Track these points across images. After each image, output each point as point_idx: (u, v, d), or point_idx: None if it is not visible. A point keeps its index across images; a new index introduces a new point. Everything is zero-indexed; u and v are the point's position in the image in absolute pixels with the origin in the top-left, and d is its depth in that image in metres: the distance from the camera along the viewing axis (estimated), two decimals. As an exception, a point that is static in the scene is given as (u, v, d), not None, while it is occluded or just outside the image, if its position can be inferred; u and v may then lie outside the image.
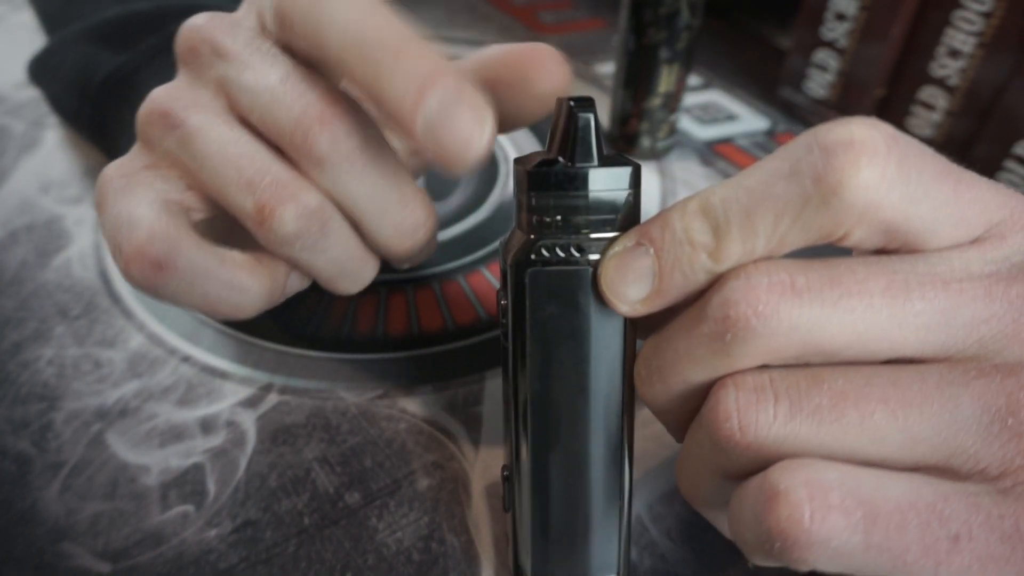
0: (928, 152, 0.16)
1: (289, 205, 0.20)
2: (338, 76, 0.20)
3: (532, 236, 0.18)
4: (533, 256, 0.18)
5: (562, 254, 0.18)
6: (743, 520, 0.16)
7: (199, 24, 0.22)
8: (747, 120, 0.45)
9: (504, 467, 0.21)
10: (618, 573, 0.20)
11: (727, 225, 0.16)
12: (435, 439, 0.27)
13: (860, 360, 0.16)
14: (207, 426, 0.27)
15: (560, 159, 0.17)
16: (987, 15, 0.35)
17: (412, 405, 0.28)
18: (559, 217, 0.18)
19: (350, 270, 0.23)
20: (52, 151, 0.41)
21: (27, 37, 0.49)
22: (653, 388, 0.18)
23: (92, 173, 0.40)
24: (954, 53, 0.37)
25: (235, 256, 0.22)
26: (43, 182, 0.39)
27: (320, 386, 0.28)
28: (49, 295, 0.32)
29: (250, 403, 0.28)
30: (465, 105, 0.18)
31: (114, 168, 0.22)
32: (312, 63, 0.21)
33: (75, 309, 0.32)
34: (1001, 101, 0.35)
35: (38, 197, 0.38)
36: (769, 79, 0.48)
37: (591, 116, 0.17)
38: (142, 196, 0.21)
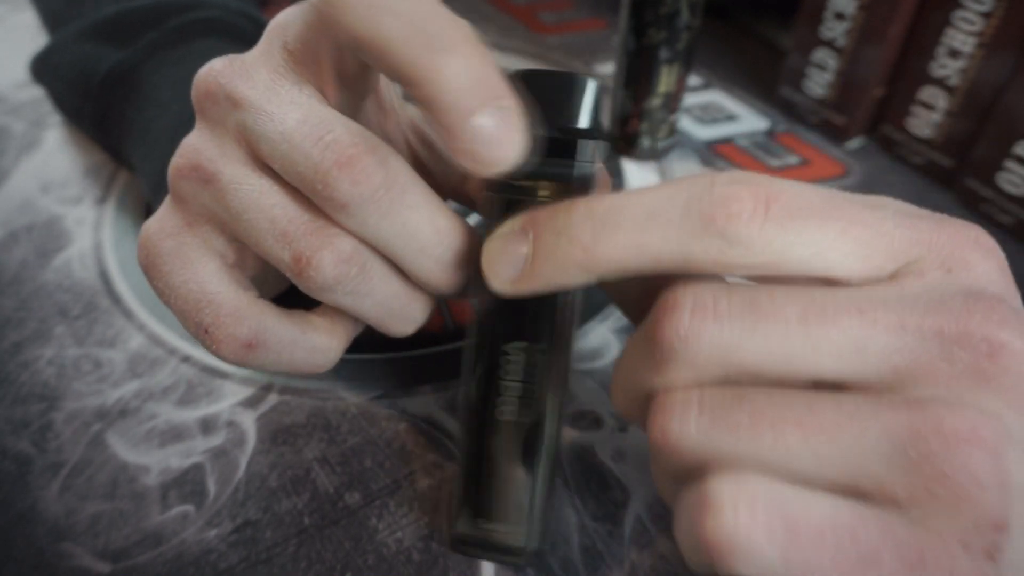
0: (817, 199, 0.17)
1: (324, 252, 0.20)
2: (386, 70, 0.18)
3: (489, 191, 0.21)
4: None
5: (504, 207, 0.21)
6: (682, 526, 0.17)
7: (216, 69, 0.21)
8: (747, 120, 0.45)
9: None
10: (529, 523, 0.21)
11: (612, 231, 0.17)
12: (435, 439, 0.27)
13: (783, 381, 0.17)
14: (207, 426, 0.27)
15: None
16: (987, 15, 0.35)
17: (412, 405, 0.28)
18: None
19: (397, 310, 0.22)
20: (52, 151, 0.41)
21: (27, 37, 0.49)
22: (617, 397, 0.20)
23: (92, 173, 0.40)
24: (954, 53, 0.37)
25: (313, 320, 0.22)
26: (43, 182, 0.39)
27: (320, 386, 0.28)
28: (49, 295, 0.32)
29: (250, 403, 0.28)
30: (514, 129, 0.18)
31: (155, 227, 0.22)
32: (353, 66, 0.20)
33: (75, 309, 0.32)
34: (1001, 101, 0.35)
35: (38, 197, 0.38)
36: (769, 79, 0.48)
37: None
38: (204, 265, 0.21)
